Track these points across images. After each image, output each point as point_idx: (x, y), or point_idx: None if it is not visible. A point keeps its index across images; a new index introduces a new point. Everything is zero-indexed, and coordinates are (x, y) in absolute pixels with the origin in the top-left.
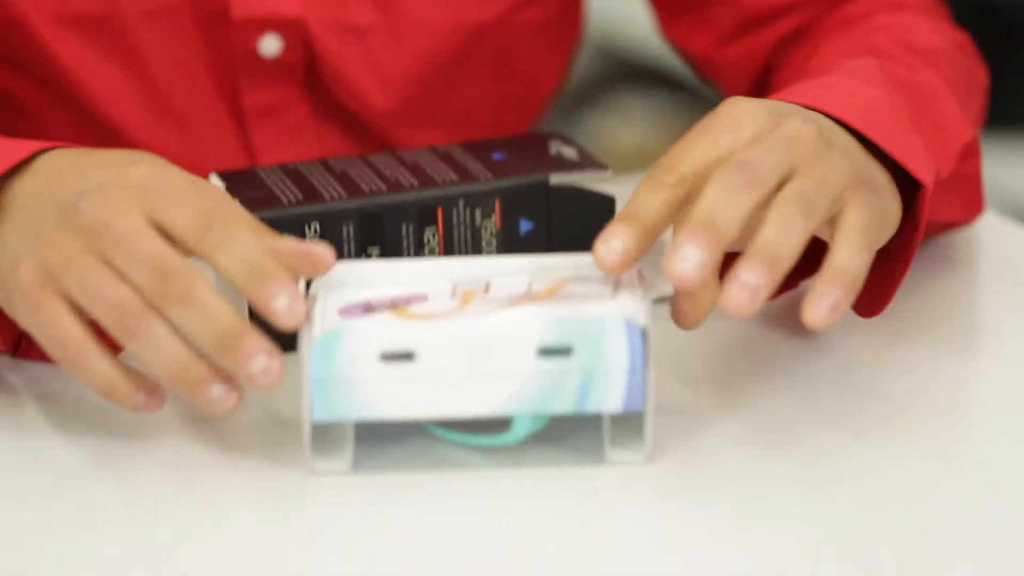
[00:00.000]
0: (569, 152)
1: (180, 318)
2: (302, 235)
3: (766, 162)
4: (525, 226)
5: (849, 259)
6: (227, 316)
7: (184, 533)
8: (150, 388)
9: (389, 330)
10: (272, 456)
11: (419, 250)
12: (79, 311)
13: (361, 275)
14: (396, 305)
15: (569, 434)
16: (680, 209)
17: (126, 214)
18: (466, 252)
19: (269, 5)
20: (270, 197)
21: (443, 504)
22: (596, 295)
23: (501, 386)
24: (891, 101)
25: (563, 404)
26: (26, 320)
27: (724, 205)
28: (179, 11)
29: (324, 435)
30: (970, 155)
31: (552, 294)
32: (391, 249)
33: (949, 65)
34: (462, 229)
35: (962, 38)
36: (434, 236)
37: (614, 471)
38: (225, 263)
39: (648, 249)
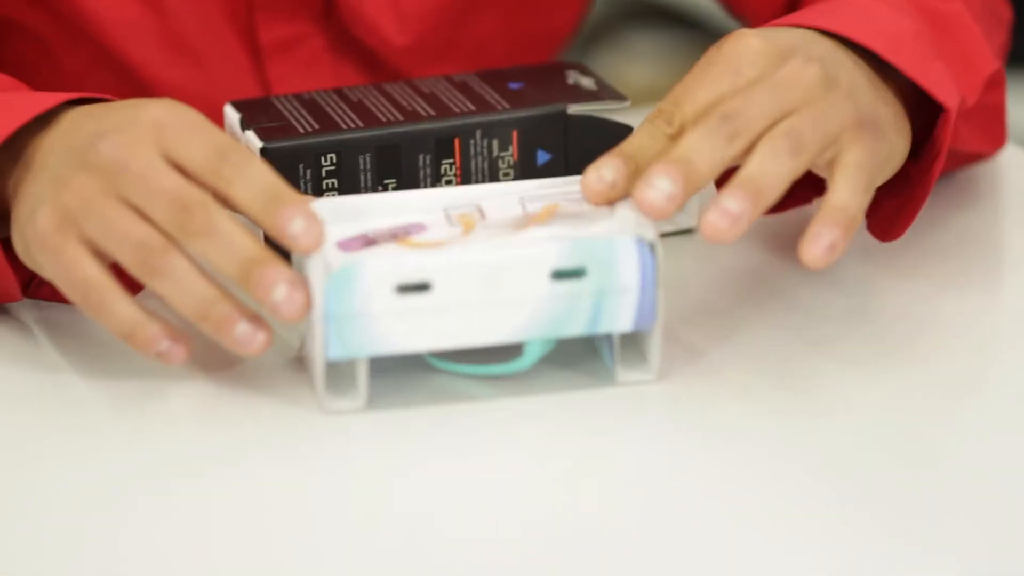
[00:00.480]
0: (587, 82)
1: (202, 250)
2: (318, 166)
3: (753, 112)
4: (543, 157)
5: (847, 198)
6: (249, 245)
7: (195, 472)
8: (174, 336)
9: (404, 262)
10: (282, 397)
11: (436, 182)
12: (99, 254)
13: (344, 209)
14: (397, 236)
15: (577, 358)
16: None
17: (142, 151)
18: (484, 183)
19: None
20: (286, 127)
21: (458, 437)
22: (594, 213)
23: (516, 312)
24: (915, 27)
25: (576, 326)
26: (46, 266)
27: (702, 151)
28: None
29: (337, 373)
30: (994, 86)
31: (551, 214)
32: (408, 180)
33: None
34: (479, 160)
35: None
36: (451, 167)
37: (624, 392)
38: (241, 193)
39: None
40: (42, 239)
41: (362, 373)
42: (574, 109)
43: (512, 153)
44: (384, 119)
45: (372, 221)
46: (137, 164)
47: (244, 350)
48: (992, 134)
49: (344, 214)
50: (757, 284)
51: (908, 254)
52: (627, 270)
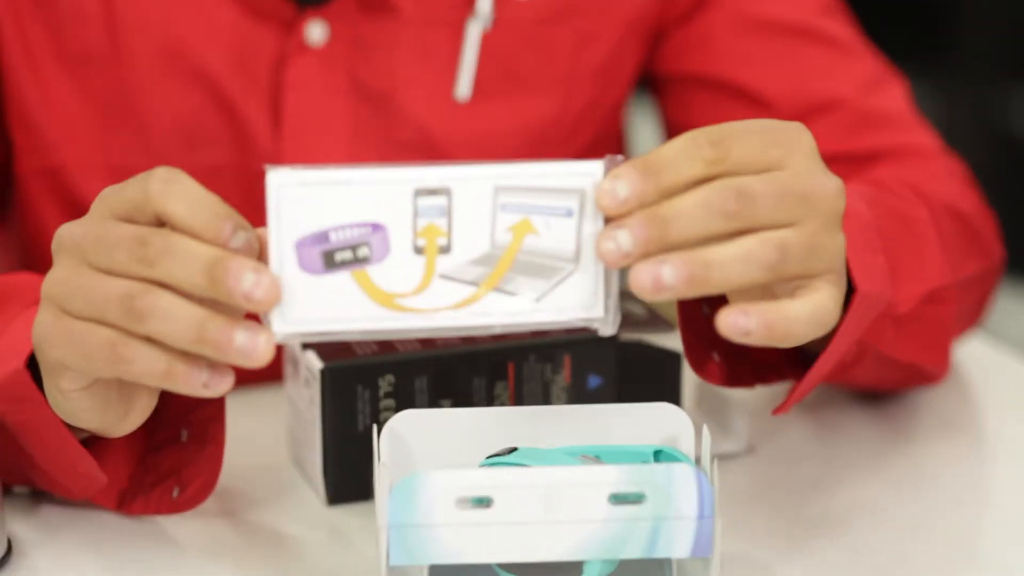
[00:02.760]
0: (637, 309)
1: (167, 272)
2: (376, 387)
3: (768, 207)
4: (594, 381)
5: (800, 314)
6: (208, 249)
7: None
8: (210, 363)
9: (466, 478)
10: None
11: (489, 404)
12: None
13: (317, 182)
14: (356, 259)
15: None
16: (698, 184)
17: (94, 222)
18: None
19: (312, 151)
20: (345, 348)
21: None
22: (557, 255)
23: (574, 531)
24: (872, 220)
25: (633, 549)
26: (68, 356)
27: (690, 217)
28: (225, 172)
29: None
30: (940, 301)
31: (517, 249)
32: (462, 402)
33: (952, 220)
34: (532, 383)
35: (984, 210)
36: (505, 390)
37: None
38: (174, 272)
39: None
40: (47, 336)
41: None
42: (625, 336)
43: (564, 377)
44: (441, 341)
45: (340, 209)
46: (91, 232)
47: (250, 358)
48: (932, 350)
49: (316, 187)
50: (814, 505)
51: (979, 467)
52: (685, 498)
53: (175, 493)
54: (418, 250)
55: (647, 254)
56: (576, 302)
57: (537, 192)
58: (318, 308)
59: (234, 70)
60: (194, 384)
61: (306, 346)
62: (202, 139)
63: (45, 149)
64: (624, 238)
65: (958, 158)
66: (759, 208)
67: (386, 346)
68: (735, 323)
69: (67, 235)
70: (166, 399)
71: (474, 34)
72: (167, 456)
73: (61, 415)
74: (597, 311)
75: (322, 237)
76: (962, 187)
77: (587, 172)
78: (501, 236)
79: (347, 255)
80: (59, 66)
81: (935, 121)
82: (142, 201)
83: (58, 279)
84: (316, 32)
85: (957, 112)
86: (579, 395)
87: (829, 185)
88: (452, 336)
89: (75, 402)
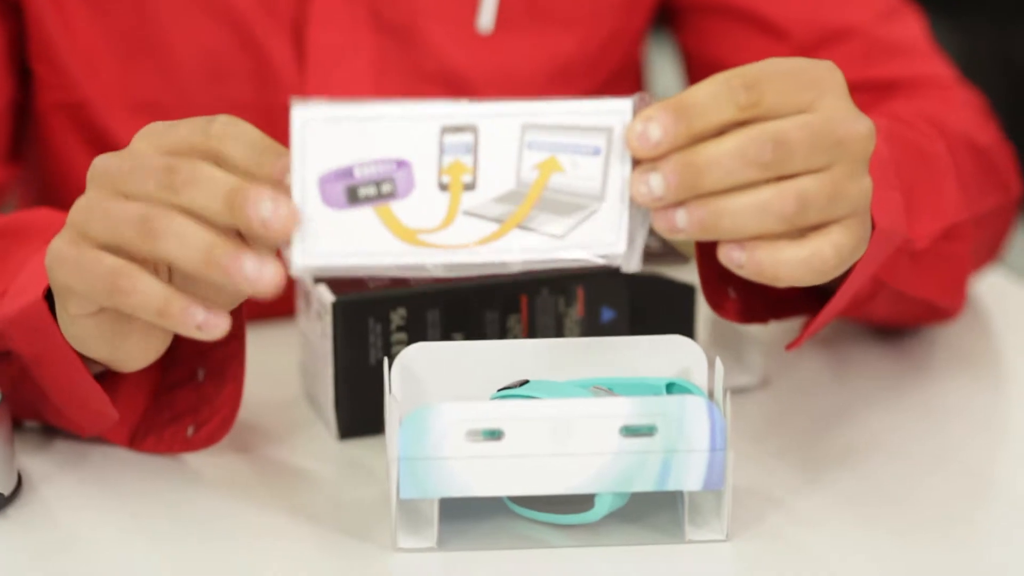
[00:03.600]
0: (652, 242)
1: (190, 198)
2: (387, 320)
3: (804, 155)
4: (607, 315)
5: (794, 258)
6: (231, 179)
7: None
8: (207, 305)
9: (477, 410)
10: (356, 532)
11: (502, 337)
12: (113, 251)
13: (347, 117)
14: (381, 194)
15: (648, 512)
16: (731, 128)
17: (132, 154)
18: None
19: (336, 86)
20: (357, 281)
21: None
22: (584, 192)
23: (585, 464)
24: (890, 155)
25: (645, 483)
26: (73, 281)
27: (725, 168)
28: (248, 107)
29: (410, 512)
30: (957, 238)
31: (543, 185)
32: (475, 336)
33: (969, 154)
34: (546, 317)
35: (1002, 143)
36: (518, 323)
37: (693, 549)
38: (197, 199)
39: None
40: (58, 258)
41: (434, 513)
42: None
43: (577, 310)
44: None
45: (365, 145)
46: (126, 162)
47: (256, 286)
48: (947, 287)
49: (342, 122)
50: (828, 439)
51: (999, 403)
52: (697, 430)
53: (190, 431)
54: (443, 187)
55: (679, 200)
56: (599, 239)
57: (565, 130)
58: (340, 242)
59: (257, 4)
60: (188, 324)
61: (318, 280)
62: (226, 74)
63: (68, 83)
64: (657, 183)
65: (976, 90)
66: (794, 157)
67: (398, 279)
68: (729, 254)
69: (102, 165)
70: (182, 336)
71: None
72: (183, 395)
73: (70, 341)
74: (619, 247)
75: (346, 172)
76: (980, 119)
77: (616, 110)
78: (527, 174)
79: (371, 191)
80: (82, 0)
81: (954, 55)
82: (201, 141)
83: (84, 204)
84: None
85: (977, 47)
86: (592, 328)
87: (861, 128)
88: (473, 273)
89: (83, 328)
